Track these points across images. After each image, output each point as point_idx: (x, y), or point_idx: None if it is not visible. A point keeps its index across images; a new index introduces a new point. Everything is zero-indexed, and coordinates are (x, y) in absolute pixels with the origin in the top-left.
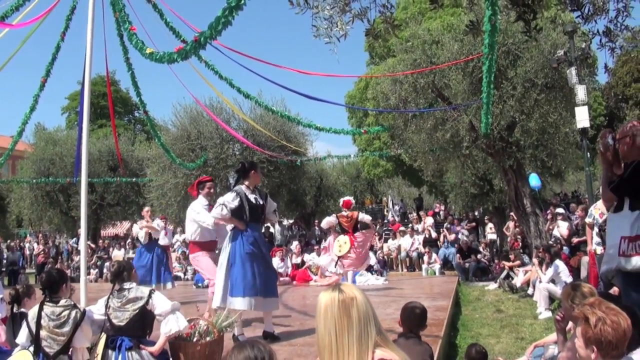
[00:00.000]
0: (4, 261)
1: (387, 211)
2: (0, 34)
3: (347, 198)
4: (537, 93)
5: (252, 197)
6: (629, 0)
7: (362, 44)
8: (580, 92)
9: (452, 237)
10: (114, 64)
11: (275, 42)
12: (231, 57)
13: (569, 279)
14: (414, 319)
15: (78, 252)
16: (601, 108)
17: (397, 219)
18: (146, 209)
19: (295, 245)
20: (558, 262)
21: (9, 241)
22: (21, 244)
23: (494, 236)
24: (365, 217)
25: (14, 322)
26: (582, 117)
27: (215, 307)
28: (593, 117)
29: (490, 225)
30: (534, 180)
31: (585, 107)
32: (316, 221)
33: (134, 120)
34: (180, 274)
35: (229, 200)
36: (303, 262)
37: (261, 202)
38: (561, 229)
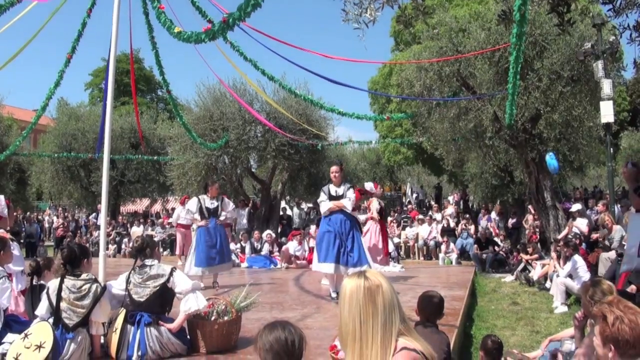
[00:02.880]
0: (23, 233)
1: (405, 199)
2: (28, 7)
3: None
4: (562, 85)
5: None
6: None
7: (387, 29)
8: (606, 86)
9: (472, 228)
10: (138, 42)
11: (299, 25)
12: (256, 39)
13: (587, 275)
14: (431, 308)
15: (97, 227)
16: (625, 103)
17: (413, 206)
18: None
19: (313, 229)
20: (577, 257)
21: (28, 213)
22: (39, 216)
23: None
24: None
25: (33, 294)
26: (607, 112)
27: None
28: (617, 112)
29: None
30: (551, 161)
31: (611, 102)
32: None
33: (156, 98)
34: None
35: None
36: None
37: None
38: (580, 225)
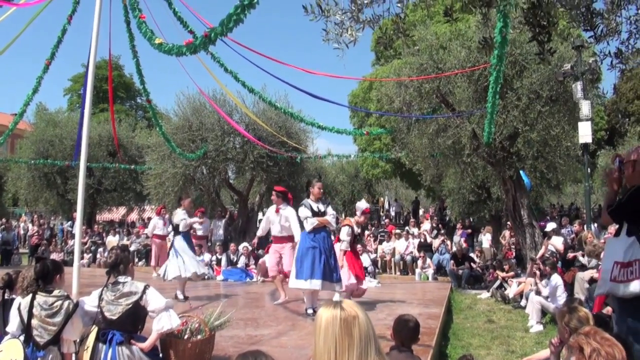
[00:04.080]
0: None
1: (383, 212)
2: (7, 13)
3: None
4: (541, 105)
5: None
6: None
7: (368, 43)
8: (585, 107)
9: (449, 243)
10: (119, 49)
11: (279, 37)
12: (237, 51)
13: (564, 295)
14: (407, 332)
15: (73, 236)
16: (603, 122)
17: (391, 219)
18: (189, 200)
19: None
20: (555, 276)
21: (3, 219)
22: (9, 221)
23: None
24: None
25: (5, 308)
26: (585, 133)
27: None
28: (594, 131)
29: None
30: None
31: (589, 123)
32: None
33: (135, 106)
34: None
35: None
36: None
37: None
38: (555, 244)
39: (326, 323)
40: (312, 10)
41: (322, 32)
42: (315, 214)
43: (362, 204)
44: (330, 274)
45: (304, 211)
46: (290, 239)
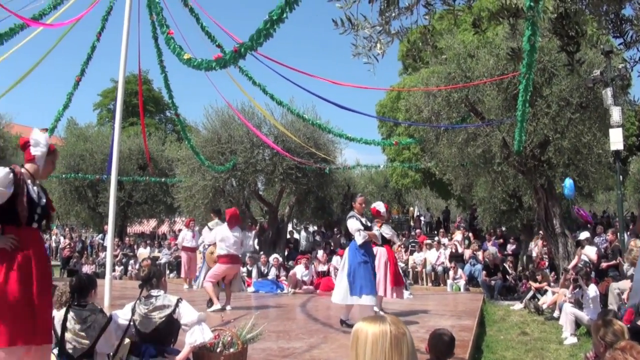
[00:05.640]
0: None
1: (413, 222)
2: (34, 32)
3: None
4: (571, 112)
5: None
6: None
7: (395, 52)
8: (615, 113)
9: (480, 254)
10: (147, 64)
11: (306, 50)
12: (266, 64)
13: (598, 307)
14: (442, 347)
15: (104, 248)
16: (634, 128)
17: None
18: None
19: (321, 253)
20: (592, 286)
21: None
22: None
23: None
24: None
25: None
26: (616, 139)
27: None
28: (625, 137)
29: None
30: (569, 188)
31: (620, 129)
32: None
33: (165, 119)
34: None
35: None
36: (329, 271)
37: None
38: (589, 253)
39: (374, 337)
40: (342, 23)
41: (351, 46)
42: (365, 227)
43: (381, 206)
44: (375, 288)
45: (355, 223)
46: None
